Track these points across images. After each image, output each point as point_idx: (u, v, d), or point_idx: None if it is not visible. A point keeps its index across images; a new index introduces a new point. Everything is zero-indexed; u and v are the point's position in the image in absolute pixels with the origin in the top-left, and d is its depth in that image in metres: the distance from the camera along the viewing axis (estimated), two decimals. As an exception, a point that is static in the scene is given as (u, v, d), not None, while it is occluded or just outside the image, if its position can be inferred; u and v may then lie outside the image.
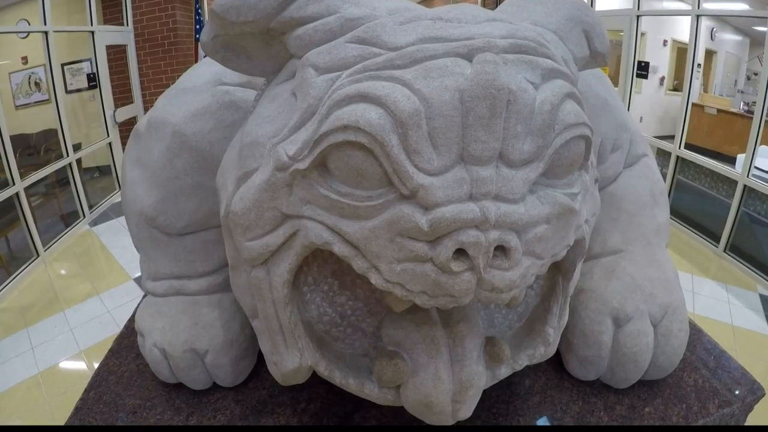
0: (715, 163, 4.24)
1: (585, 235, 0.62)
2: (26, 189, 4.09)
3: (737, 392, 1.02)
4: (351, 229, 0.50)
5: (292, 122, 0.54)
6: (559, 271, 0.68)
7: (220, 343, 0.83)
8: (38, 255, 4.12)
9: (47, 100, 5.40)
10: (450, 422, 0.60)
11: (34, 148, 5.56)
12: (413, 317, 0.58)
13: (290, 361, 0.62)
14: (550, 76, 0.53)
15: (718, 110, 6.63)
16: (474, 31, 0.53)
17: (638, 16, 4.87)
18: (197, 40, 6.24)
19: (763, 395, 1.05)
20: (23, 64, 6.11)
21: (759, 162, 5.01)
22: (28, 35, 5.50)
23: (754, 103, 6.97)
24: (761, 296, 3.57)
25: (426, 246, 0.47)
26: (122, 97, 6.42)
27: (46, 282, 3.87)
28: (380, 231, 0.48)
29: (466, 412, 0.60)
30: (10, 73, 5.64)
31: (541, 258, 0.52)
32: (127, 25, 6.34)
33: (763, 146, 5.32)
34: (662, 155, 4.83)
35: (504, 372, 0.65)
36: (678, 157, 4.58)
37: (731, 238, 4.03)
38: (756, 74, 7.91)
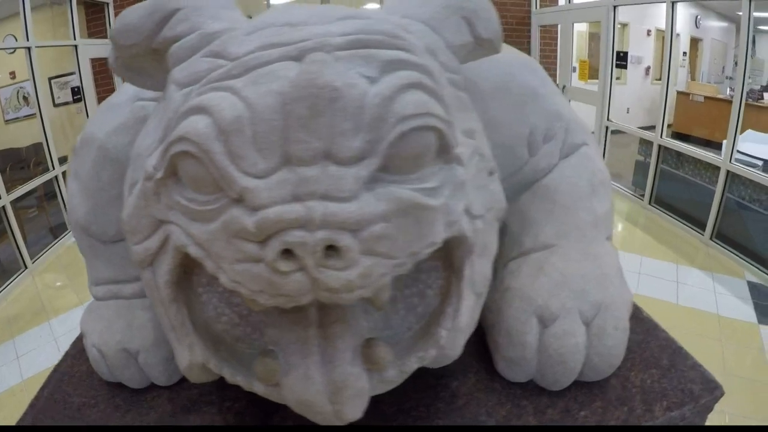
0: (697, 149, 4.15)
1: (466, 232, 0.58)
2: (13, 202, 4.05)
3: (691, 393, 0.93)
4: (198, 231, 0.52)
5: (158, 135, 0.58)
6: (452, 270, 0.64)
7: (151, 343, 0.86)
8: (26, 267, 4.09)
9: (35, 114, 5.38)
10: (336, 422, 0.59)
11: (25, 162, 5.53)
12: (290, 317, 0.57)
13: (182, 357, 0.64)
14: (392, 68, 0.51)
15: (705, 97, 6.55)
16: (314, 32, 0.52)
17: (615, 6, 4.77)
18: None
19: (722, 395, 0.96)
20: (11, 78, 6.09)
21: (746, 146, 4.93)
22: (15, 51, 5.46)
23: (752, 89, 6.91)
24: (749, 283, 3.47)
25: (257, 247, 0.47)
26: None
27: (33, 293, 3.86)
28: (219, 233, 0.50)
29: (351, 413, 0.58)
30: (-1, 88, 5.60)
31: (391, 257, 0.49)
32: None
33: (750, 131, 5.24)
34: (645, 145, 4.74)
35: (392, 374, 0.61)
36: (660, 146, 4.48)
37: (717, 225, 3.94)
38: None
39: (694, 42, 7.38)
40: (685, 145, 4.28)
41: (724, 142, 5.16)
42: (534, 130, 0.91)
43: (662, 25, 7.06)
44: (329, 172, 0.46)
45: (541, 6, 6.21)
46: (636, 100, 6.90)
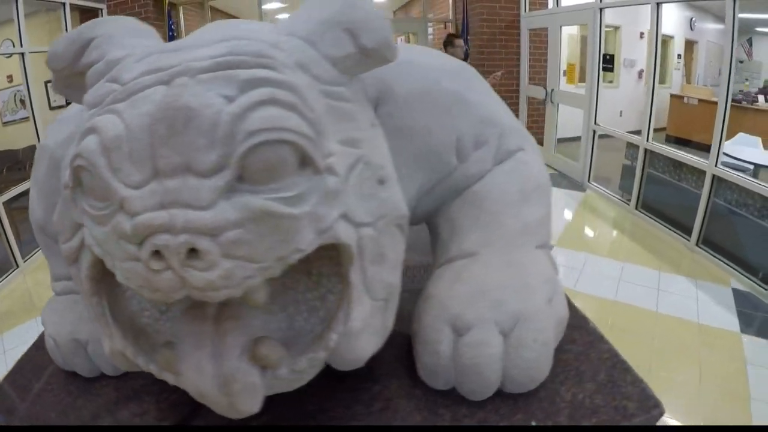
0: (684, 153, 4.05)
1: (344, 239, 0.60)
2: (7, 203, 4.11)
3: (624, 410, 0.85)
4: (97, 233, 0.57)
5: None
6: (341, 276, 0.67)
7: (99, 335, 0.88)
8: (17, 266, 4.13)
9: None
10: (234, 415, 0.62)
11: (21, 164, 5.57)
12: (191, 312, 0.62)
13: (105, 345, 0.68)
14: (250, 87, 0.55)
15: (700, 100, 6.42)
16: (186, 56, 0.58)
17: (601, 9, 4.69)
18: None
19: (661, 414, 0.90)
20: (9, 82, 6.13)
21: (737, 150, 4.82)
22: (11, 55, 5.50)
23: (741, 91, 6.77)
24: (734, 291, 3.37)
25: (136, 248, 0.53)
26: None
27: (23, 290, 3.92)
28: (110, 235, 0.55)
29: (244, 406, 0.61)
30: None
31: (252, 261, 0.54)
32: (104, 42, 6.29)
33: (741, 134, 5.12)
34: (632, 149, 4.65)
35: (284, 373, 0.63)
36: (646, 150, 4.39)
37: (703, 231, 3.83)
38: (741, 62, 7.67)
39: (690, 44, 7.25)
40: (672, 148, 4.18)
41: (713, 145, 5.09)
42: (462, 137, 0.89)
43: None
44: (189, 183, 0.52)
45: (530, 9, 6.15)
46: (629, 103, 6.78)
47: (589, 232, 4.43)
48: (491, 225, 0.88)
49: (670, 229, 4.11)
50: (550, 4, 5.78)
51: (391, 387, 0.87)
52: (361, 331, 0.65)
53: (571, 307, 1.04)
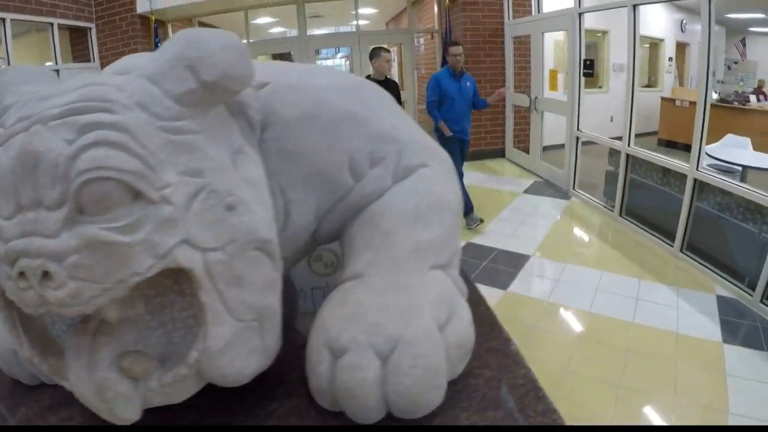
0: (664, 157, 3.92)
1: (185, 264, 0.64)
2: None
3: None
4: None
5: None
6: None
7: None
8: None
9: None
10: (115, 421, 0.68)
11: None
12: (77, 326, 0.68)
13: (19, 352, 0.73)
14: (86, 130, 0.61)
15: (691, 102, 6.27)
16: (46, 105, 0.64)
17: (580, 14, 4.60)
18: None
19: None
20: None
21: (725, 152, 4.67)
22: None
23: (735, 92, 6.62)
24: (719, 298, 3.22)
25: (9, 269, 0.60)
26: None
27: None
28: None
29: (123, 413, 0.67)
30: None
31: (95, 282, 0.60)
32: (94, 61, 6.36)
33: (730, 135, 4.98)
34: (615, 154, 4.52)
35: (154, 385, 0.68)
36: (628, 155, 4.26)
37: (687, 236, 3.69)
38: (736, 63, 7.51)
39: (681, 47, 7.12)
40: (652, 153, 4.05)
41: (708, 147, 4.93)
42: (355, 155, 0.89)
43: (645, 32, 6.86)
44: (41, 216, 0.60)
45: (514, 17, 6.08)
46: (620, 108, 6.65)
47: (569, 240, 4.28)
48: (382, 245, 0.86)
49: (654, 236, 3.97)
50: (534, 11, 5.68)
51: (287, 406, 0.86)
52: (224, 350, 0.69)
53: (495, 327, 1.04)
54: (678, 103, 6.36)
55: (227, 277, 0.67)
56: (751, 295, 3.10)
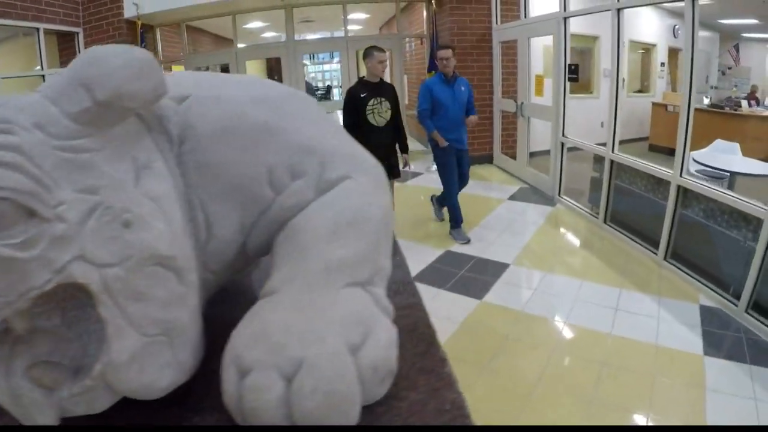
0: (648, 163, 3.82)
1: (79, 279, 0.66)
2: None
3: None
4: None
5: None
6: None
7: None
8: None
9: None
10: (34, 423, 0.70)
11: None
12: (1, 337, 0.69)
13: None
14: None
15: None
16: None
17: (565, 18, 4.52)
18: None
19: None
20: None
21: (713, 157, 4.57)
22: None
23: (731, 98, 6.51)
24: (702, 308, 3.11)
25: None
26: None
27: None
28: None
29: (39, 418, 0.70)
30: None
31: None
32: (80, 66, 6.31)
33: (719, 141, 4.87)
34: (600, 161, 4.42)
35: (65, 395, 0.70)
36: (612, 161, 4.16)
37: (671, 244, 3.58)
38: (730, 68, 7.41)
39: (674, 52, 7.02)
40: (636, 159, 3.94)
41: (695, 153, 4.82)
42: (274, 168, 0.88)
43: (637, 37, 6.79)
44: None
45: (501, 22, 6.00)
46: (610, 113, 6.56)
47: (551, 248, 4.15)
48: (297, 262, 0.84)
49: (638, 244, 3.86)
50: (522, 15, 5.60)
51: (208, 420, 0.84)
52: (130, 363, 0.70)
53: (433, 347, 0.99)
54: (669, 108, 6.26)
55: (127, 293, 0.69)
56: (736, 305, 2.99)
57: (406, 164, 4.16)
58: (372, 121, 3.76)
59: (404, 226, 4.66)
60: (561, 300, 3.23)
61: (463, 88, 4.06)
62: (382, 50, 3.81)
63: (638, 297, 3.24)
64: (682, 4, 5.50)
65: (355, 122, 3.73)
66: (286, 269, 0.84)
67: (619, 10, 3.86)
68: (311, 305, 0.78)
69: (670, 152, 5.60)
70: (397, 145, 4.03)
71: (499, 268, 3.69)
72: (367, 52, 3.79)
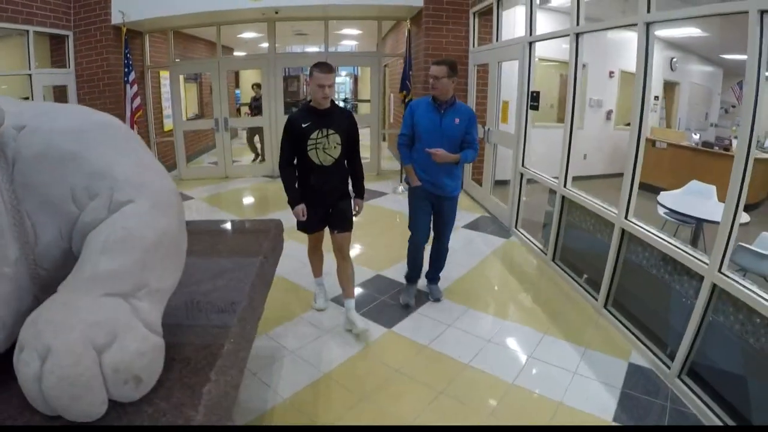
0: (594, 201, 3.51)
1: None
2: None
3: None
4: None
5: None
6: None
7: None
8: None
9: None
10: None
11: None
12: None
13: None
14: None
15: (669, 144, 5.81)
16: None
17: (531, 43, 4.27)
18: (125, 82, 6.21)
19: None
20: None
21: (682, 200, 4.20)
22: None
23: (718, 137, 6.08)
24: (630, 366, 2.76)
25: None
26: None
27: None
28: None
29: None
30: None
31: None
32: (69, 67, 6.39)
33: (695, 182, 4.49)
34: (553, 194, 4.11)
35: None
36: (563, 197, 3.86)
37: (612, 291, 3.25)
38: (733, 106, 6.95)
39: (670, 86, 6.65)
40: (585, 195, 3.63)
41: (668, 193, 4.46)
42: (74, 189, 1.05)
43: (627, 67, 6.44)
44: None
45: (479, 44, 5.79)
46: (595, 145, 6.22)
47: (486, 283, 3.84)
48: (77, 269, 1.01)
49: (581, 286, 3.54)
50: (494, 38, 5.37)
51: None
52: None
53: (212, 369, 1.09)
54: (658, 144, 5.89)
55: None
56: (669, 367, 2.65)
57: (358, 211, 3.08)
58: (314, 159, 2.80)
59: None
60: (472, 339, 2.93)
61: (457, 120, 3.01)
62: (327, 69, 2.71)
63: (561, 346, 2.92)
64: (680, 35, 5.16)
65: (292, 159, 2.87)
66: (70, 275, 1.01)
67: (578, 35, 3.60)
68: (72, 305, 0.94)
69: (656, 190, 5.26)
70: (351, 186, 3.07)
71: (424, 298, 3.43)
72: (310, 72, 2.75)
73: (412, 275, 3.41)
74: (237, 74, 12.67)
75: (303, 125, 2.77)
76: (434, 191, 3.13)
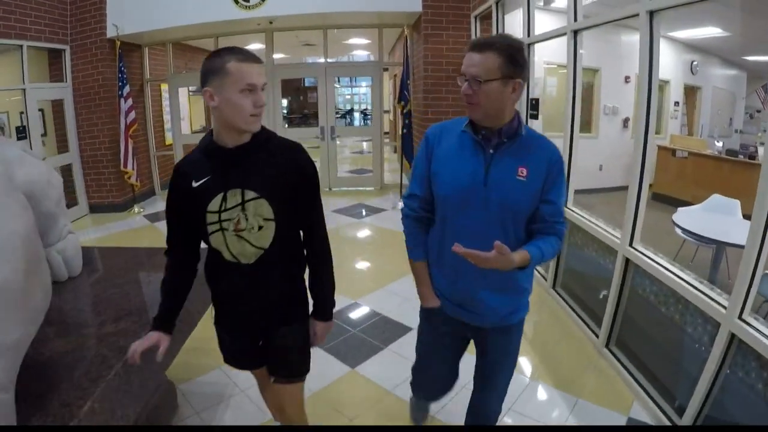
0: (595, 223, 3.05)
1: None
2: None
3: None
4: None
5: None
6: None
7: None
8: None
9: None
10: None
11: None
12: None
13: None
14: None
15: (690, 153, 5.25)
16: None
17: (529, 45, 3.84)
18: (120, 96, 6.05)
19: None
20: None
21: (701, 218, 3.68)
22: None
23: (743, 144, 5.47)
24: (630, 422, 2.31)
25: None
26: (62, 145, 6.38)
27: None
28: None
29: None
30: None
31: None
32: (66, 81, 6.26)
33: (716, 195, 3.96)
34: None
35: None
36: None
37: (614, 329, 2.79)
38: (759, 111, 6.30)
39: (691, 90, 6.07)
40: (587, 217, 3.17)
41: (690, 208, 3.94)
42: None
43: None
44: None
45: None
46: (610, 156, 5.70)
47: None
48: None
49: (582, 320, 3.08)
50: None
51: None
52: None
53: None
54: (679, 153, 5.33)
55: None
56: (676, 426, 2.19)
57: (315, 342, 1.59)
58: (222, 251, 1.39)
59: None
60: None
61: (524, 172, 1.38)
62: (254, 59, 1.28)
63: (550, 394, 2.48)
64: (700, 36, 4.63)
65: (183, 239, 1.46)
66: None
67: (575, 32, 3.15)
68: None
69: (676, 203, 4.72)
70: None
71: (398, 332, 3.00)
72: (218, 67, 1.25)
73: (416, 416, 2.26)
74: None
75: (193, 183, 1.36)
76: (469, 319, 1.58)
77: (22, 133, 5.70)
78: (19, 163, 1.70)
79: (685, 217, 3.62)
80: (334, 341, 2.91)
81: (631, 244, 2.66)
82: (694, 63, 5.88)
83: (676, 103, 5.97)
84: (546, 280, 3.56)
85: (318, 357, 2.64)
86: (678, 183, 5.12)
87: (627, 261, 2.67)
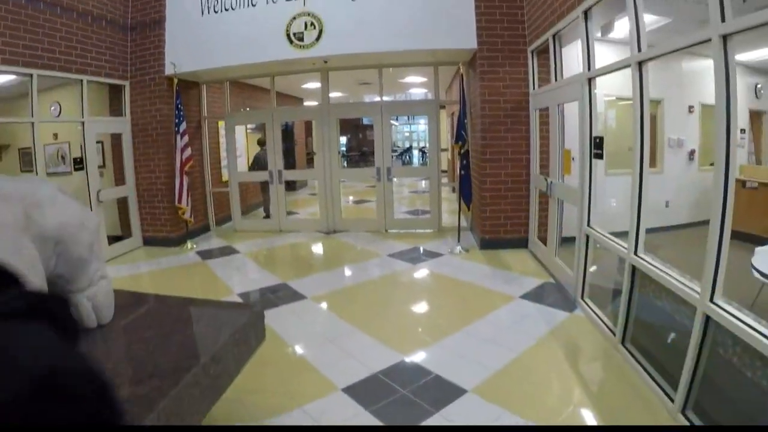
0: (669, 274, 2.90)
1: None
2: None
3: None
4: None
5: None
6: None
7: None
8: None
9: (70, 171, 6.42)
10: None
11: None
12: None
13: None
14: None
15: (761, 183, 4.99)
16: None
17: (590, 79, 3.80)
18: (176, 132, 6.40)
19: None
20: (54, 139, 6.86)
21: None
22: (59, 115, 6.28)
23: None
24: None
25: None
26: (119, 177, 6.78)
27: None
28: None
29: None
30: (45, 146, 6.19)
31: None
32: (125, 116, 6.69)
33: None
34: (622, 262, 3.52)
35: None
36: (633, 266, 3.28)
37: (693, 391, 2.64)
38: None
39: (756, 116, 5.81)
40: (661, 267, 3.03)
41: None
42: None
43: (707, 100, 5.69)
44: None
45: (540, 86, 5.35)
46: (677, 191, 5.50)
47: (534, 376, 3.07)
48: None
49: (655, 382, 2.93)
50: (552, 78, 4.91)
51: None
52: None
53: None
54: (749, 184, 5.08)
55: None
56: None
57: None
58: None
59: (370, 316, 4.06)
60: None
61: None
62: None
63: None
64: (764, 57, 4.44)
65: None
66: None
67: (640, 63, 3.10)
68: None
69: (747, 238, 4.47)
70: None
71: (450, 394, 2.86)
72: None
73: None
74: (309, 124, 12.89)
75: None
76: None
77: (79, 164, 6.08)
78: (50, 204, 1.70)
79: (764, 259, 3.43)
80: (381, 403, 2.79)
81: (711, 299, 2.53)
82: (758, 86, 5.65)
83: (742, 130, 5.71)
84: (615, 334, 3.42)
85: (362, 421, 2.61)
86: (750, 217, 4.87)
87: (707, 319, 2.54)
